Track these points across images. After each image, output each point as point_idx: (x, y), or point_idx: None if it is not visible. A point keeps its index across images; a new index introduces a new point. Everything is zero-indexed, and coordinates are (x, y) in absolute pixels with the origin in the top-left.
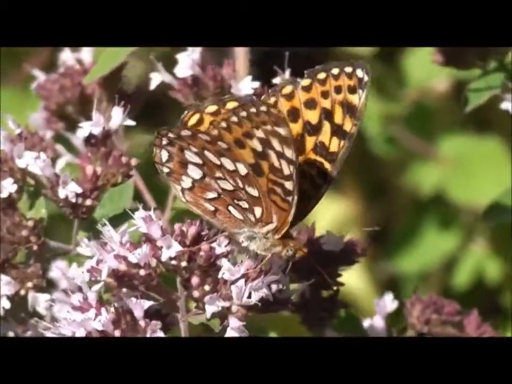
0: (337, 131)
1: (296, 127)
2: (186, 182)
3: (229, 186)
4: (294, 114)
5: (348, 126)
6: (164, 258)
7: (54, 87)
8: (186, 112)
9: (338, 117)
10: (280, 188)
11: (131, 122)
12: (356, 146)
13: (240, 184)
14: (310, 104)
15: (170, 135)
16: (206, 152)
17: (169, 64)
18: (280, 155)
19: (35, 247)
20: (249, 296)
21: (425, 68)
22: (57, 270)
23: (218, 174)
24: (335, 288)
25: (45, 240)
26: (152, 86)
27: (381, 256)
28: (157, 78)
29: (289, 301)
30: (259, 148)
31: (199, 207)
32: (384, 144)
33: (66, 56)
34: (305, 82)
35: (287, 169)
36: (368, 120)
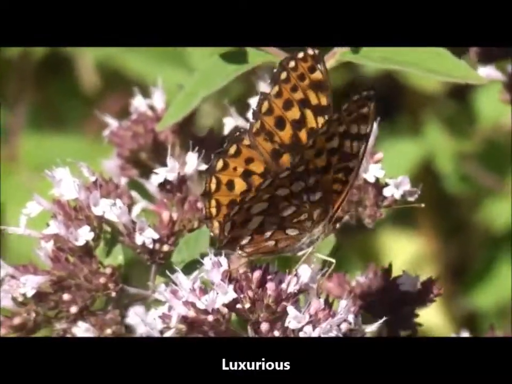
0: (318, 110)
1: (286, 132)
2: (246, 238)
3: (291, 210)
4: (280, 122)
5: (324, 100)
6: (217, 305)
7: (127, 134)
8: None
9: (313, 99)
10: (343, 171)
11: (205, 167)
12: (430, 185)
13: (305, 198)
14: (287, 105)
15: (247, 197)
16: (279, 191)
17: (242, 108)
18: (355, 136)
19: (113, 294)
20: None
21: (496, 105)
22: (135, 316)
23: (282, 204)
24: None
25: (123, 286)
26: (226, 130)
27: (458, 293)
28: (230, 123)
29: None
30: (336, 144)
31: (259, 251)
32: (458, 182)
33: (139, 102)
34: (274, 90)
35: (356, 147)
36: (441, 158)
